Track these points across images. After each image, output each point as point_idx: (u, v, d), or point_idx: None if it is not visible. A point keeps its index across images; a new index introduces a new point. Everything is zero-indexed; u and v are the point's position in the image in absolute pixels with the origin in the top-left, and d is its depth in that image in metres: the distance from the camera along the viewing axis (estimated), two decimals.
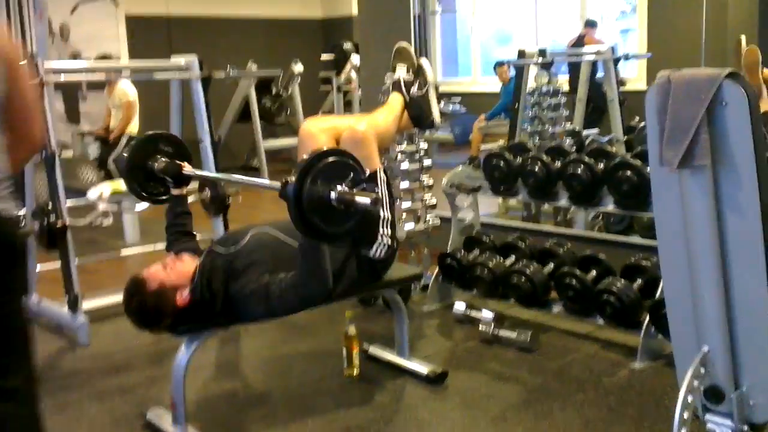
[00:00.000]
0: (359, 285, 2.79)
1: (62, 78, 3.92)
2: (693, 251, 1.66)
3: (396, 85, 3.04)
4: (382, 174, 2.74)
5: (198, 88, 4.04)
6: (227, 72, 6.91)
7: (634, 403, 2.74)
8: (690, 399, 1.72)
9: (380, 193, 2.70)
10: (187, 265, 2.55)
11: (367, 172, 2.62)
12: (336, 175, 2.19)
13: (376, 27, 5.18)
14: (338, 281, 2.67)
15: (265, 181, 2.51)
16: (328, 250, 2.62)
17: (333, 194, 2.15)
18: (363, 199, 2.14)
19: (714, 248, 1.62)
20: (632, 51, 7.09)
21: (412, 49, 3.13)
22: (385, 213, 2.70)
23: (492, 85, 8.50)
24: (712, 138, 1.56)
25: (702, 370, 1.73)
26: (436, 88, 3.16)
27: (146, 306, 2.47)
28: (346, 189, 2.17)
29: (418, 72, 3.07)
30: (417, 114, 3.03)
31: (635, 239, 4.11)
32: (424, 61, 3.09)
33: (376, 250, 2.71)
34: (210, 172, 2.98)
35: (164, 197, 2.99)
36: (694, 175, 1.60)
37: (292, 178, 2.14)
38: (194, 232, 2.98)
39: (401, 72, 3.07)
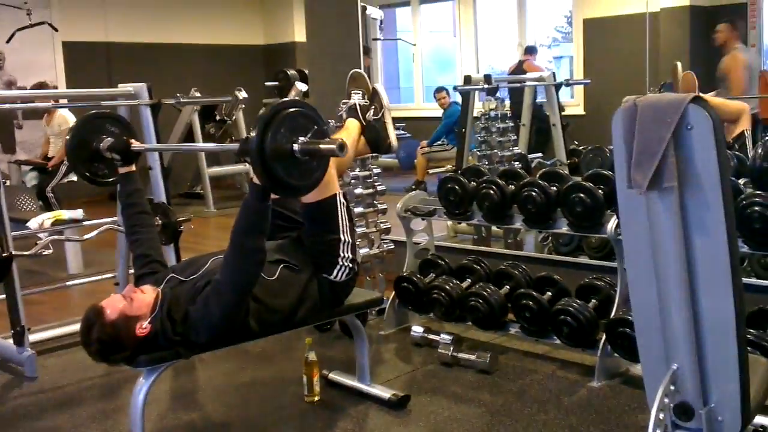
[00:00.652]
0: (321, 310, 2.77)
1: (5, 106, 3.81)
2: (661, 271, 1.71)
3: (352, 111, 3.07)
4: (342, 198, 2.75)
5: (147, 115, 3.96)
6: (177, 99, 6.82)
7: (596, 422, 2.78)
8: (661, 416, 1.75)
9: (340, 218, 2.71)
10: (148, 295, 2.48)
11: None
12: (298, 126, 2.17)
13: (325, 54, 5.21)
14: (300, 306, 2.65)
15: (225, 145, 2.48)
16: (289, 273, 2.61)
17: (296, 146, 2.13)
18: (328, 146, 2.12)
19: (681, 268, 1.67)
20: (566, 77, 7.31)
21: (366, 75, 3.16)
22: (345, 237, 2.71)
23: (435, 110, 8.63)
24: (678, 161, 1.61)
25: (672, 388, 1.77)
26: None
27: (105, 337, 2.39)
28: (309, 139, 2.14)
29: (373, 97, 3.10)
30: (374, 138, 3.06)
31: (584, 260, 4.21)
32: (378, 86, 3.13)
33: (338, 274, 2.71)
34: (158, 146, 2.90)
35: (111, 179, 2.94)
36: (662, 196, 1.65)
37: (253, 134, 2.12)
38: (149, 210, 2.93)
39: (357, 97, 3.10)
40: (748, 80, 4.92)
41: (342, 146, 2.14)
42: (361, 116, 3.03)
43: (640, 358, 1.89)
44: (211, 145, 3.03)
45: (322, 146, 2.14)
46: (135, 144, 2.88)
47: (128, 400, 2.66)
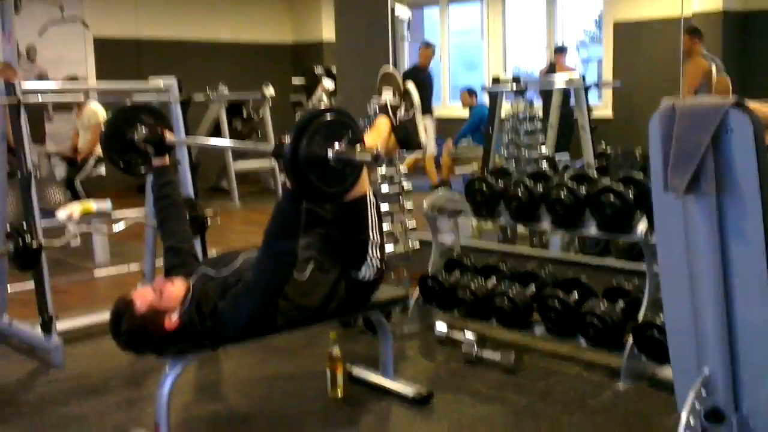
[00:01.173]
0: (348, 307, 2.78)
1: (39, 99, 3.86)
2: (695, 276, 1.69)
3: (383, 109, 3.06)
4: (372, 197, 2.75)
5: (177, 111, 3.99)
6: (206, 95, 6.87)
7: (622, 424, 2.77)
8: (692, 421, 1.74)
9: (370, 217, 2.71)
10: (177, 288, 2.50)
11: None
12: (333, 133, 2.16)
13: (353, 53, 5.22)
14: (328, 304, 2.66)
15: (257, 145, 2.49)
16: (318, 273, 2.62)
17: (330, 153, 2.13)
18: (363, 157, 2.11)
19: (717, 273, 1.65)
20: (593, 79, 7.26)
21: (398, 74, 3.16)
22: (374, 236, 2.70)
23: (461, 110, 8.62)
24: (717, 165, 1.59)
25: (703, 392, 1.75)
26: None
27: (134, 329, 2.41)
28: (344, 147, 2.14)
29: (404, 96, 3.10)
30: (404, 137, 3.05)
31: (611, 261, 4.18)
32: (410, 85, 3.12)
33: (365, 272, 2.71)
34: (193, 140, 2.93)
35: (144, 170, 2.96)
36: (699, 201, 1.63)
37: (287, 138, 2.12)
38: (181, 203, 2.95)
39: (387, 96, 3.10)
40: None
41: (377, 157, 2.14)
42: (391, 114, 3.03)
43: (671, 361, 1.87)
44: (244, 143, 3.04)
45: (356, 156, 2.13)
46: (169, 137, 2.90)
47: (153, 390, 2.68)
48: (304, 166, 2.14)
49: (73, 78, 7.84)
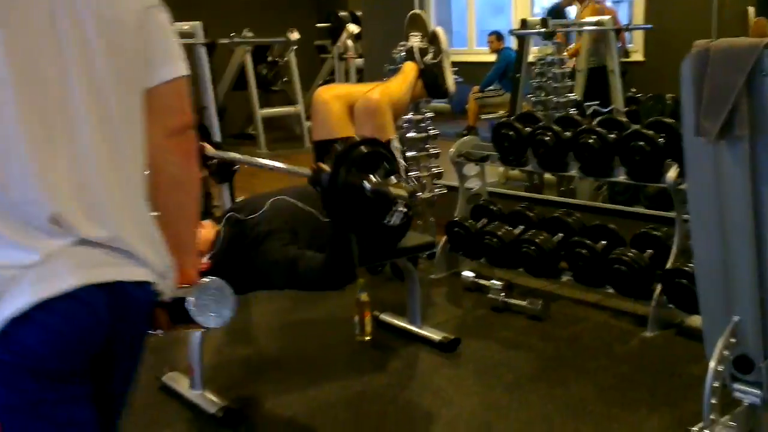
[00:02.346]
0: (376, 252, 2.80)
1: None
2: (727, 221, 1.68)
3: (410, 54, 3.02)
4: (397, 143, 2.74)
5: (202, 55, 4.00)
6: (231, 39, 6.80)
7: (648, 371, 2.78)
8: (720, 368, 1.74)
9: (396, 162, 2.70)
10: (207, 231, 2.54)
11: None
12: (369, 164, 2.17)
13: None
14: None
15: (294, 167, 2.48)
16: None
17: (367, 185, 2.14)
18: (398, 193, 2.12)
19: (749, 218, 1.64)
20: (625, 23, 7.06)
21: (426, 17, 3.10)
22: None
23: (488, 55, 8.48)
24: (750, 109, 1.56)
25: (732, 340, 1.75)
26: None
27: None
28: (380, 179, 2.15)
29: (432, 40, 3.05)
30: (431, 82, 3.01)
31: (640, 209, 4.14)
32: (438, 29, 3.06)
33: (391, 218, 2.71)
34: (232, 155, 2.91)
35: None
36: (731, 145, 1.61)
37: (326, 167, 2.12)
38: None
39: (415, 40, 3.05)
40: None
41: (412, 194, 2.14)
42: (419, 59, 2.99)
43: (701, 309, 1.87)
44: (283, 165, 2.94)
45: (392, 191, 2.13)
46: (208, 149, 2.87)
47: (186, 334, 2.75)
48: (341, 195, 2.14)
49: None
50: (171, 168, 1.30)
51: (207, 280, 1.39)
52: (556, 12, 6.53)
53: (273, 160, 3.49)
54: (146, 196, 1.25)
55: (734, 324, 1.75)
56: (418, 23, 3.08)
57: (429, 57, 3.00)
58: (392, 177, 2.18)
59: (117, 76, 1.19)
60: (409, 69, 3.00)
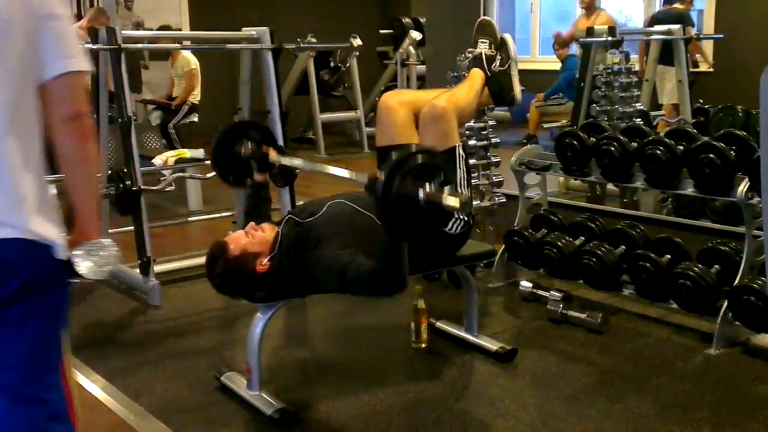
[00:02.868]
0: (434, 260, 2.79)
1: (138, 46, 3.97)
2: None
3: (477, 60, 3.00)
4: (461, 151, 2.72)
5: (269, 60, 4.04)
6: (297, 44, 6.91)
7: (712, 390, 2.70)
8: None
9: (458, 170, 2.69)
10: (268, 233, 2.57)
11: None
12: (424, 174, 2.16)
13: (444, 3, 5.14)
14: (413, 256, 2.65)
15: (352, 174, 2.50)
16: None
17: (421, 194, 2.13)
18: (451, 203, 2.11)
19: None
20: (695, 32, 6.90)
21: (495, 24, 3.08)
22: (462, 190, 2.69)
23: (551, 63, 8.39)
24: None
25: None
26: None
27: (228, 271, 2.50)
28: (434, 190, 2.14)
29: (501, 47, 3.02)
30: (498, 90, 2.99)
31: (706, 223, 4.03)
32: (507, 36, 3.03)
33: (452, 226, 2.70)
34: (295, 161, 2.96)
35: (245, 182, 3.02)
36: None
37: (381, 175, 2.13)
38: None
39: (483, 47, 3.03)
40: None
41: (465, 204, 2.13)
42: (486, 66, 2.96)
43: None
44: (340, 172, 2.98)
45: (444, 202, 2.11)
46: (273, 156, 2.92)
47: (244, 333, 2.79)
48: (395, 205, 2.14)
49: (166, 27, 8.00)
50: (65, 149, 1.55)
51: (96, 240, 1.62)
52: None
53: (331, 164, 3.53)
54: (38, 170, 1.52)
55: None
56: (487, 30, 3.06)
57: (497, 64, 2.97)
58: (447, 187, 2.16)
59: (7, 69, 1.44)
60: (477, 76, 2.98)
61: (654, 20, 6.19)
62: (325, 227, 2.57)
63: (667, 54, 5.57)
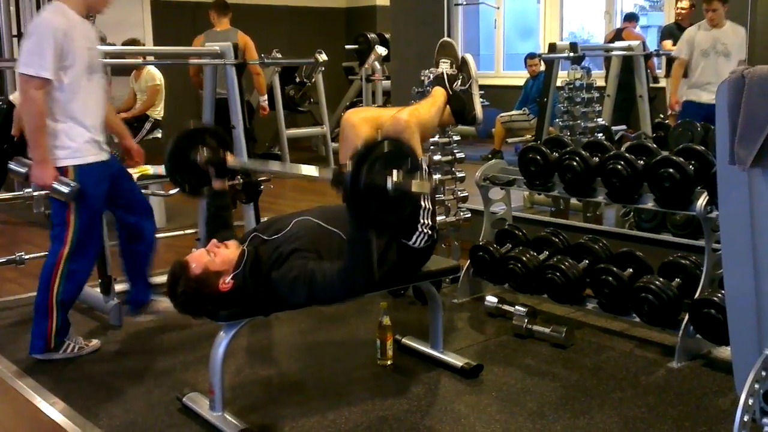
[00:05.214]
0: (399, 275, 2.78)
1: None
2: (760, 252, 1.64)
3: (439, 80, 3.02)
4: (424, 165, 2.73)
5: (232, 75, 4.02)
6: (261, 59, 6.90)
7: (674, 403, 2.72)
8: (750, 402, 1.70)
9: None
10: (232, 251, 2.54)
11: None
12: (391, 163, 2.17)
13: (408, 19, 5.16)
14: (379, 269, 2.64)
15: (317, 170, 2.50)
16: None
17: (389, 183, 2.13)
18: (420, 189, 2.12)
19: None
20: (654, 48, 7.03)
21: (456, 45, 3.11)
22: (426, 204, 2.69)
23: (515, 78, 8.47)
24: None
25: (763, 374, 1.71)
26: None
27: (190, 291, 2.47)
28: (402, 178, 2.15)
29: (462, 67, 3.05)
30: (459, 109, 3.01)
31: (667, 237, 4.09)
32: (468, 56, 3.07)
33: (417, 240, 2.71)
34: (257, 163, 2.95)
35: (202, 190, 2.98)
36: (765, 173, 1.58)
37: (347, 167, 2.13)
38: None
39: (445, 66, 3.05)
40: None
41: (434, 190, 2.15)
42: (448, 86, 2.99)
43: (731, 341, 1.83)
44: (305, 167, 3.07)
45: (414, 188, 2.14)
46: (231, 160, 2.90)
47: (206, 353, 2.75)
48: (363, 195, 2.14)
49: (135, 42, 7.88)
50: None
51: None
52: None
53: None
54: None
55: (765, 357, 1.70)
56: (448, 50, 3.09)
57: (458, 84, 2.99)
58: (415, 174, 2.17)
59: None
60: (439, 94, 3.00)
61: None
62: (290, 243, 2.55)
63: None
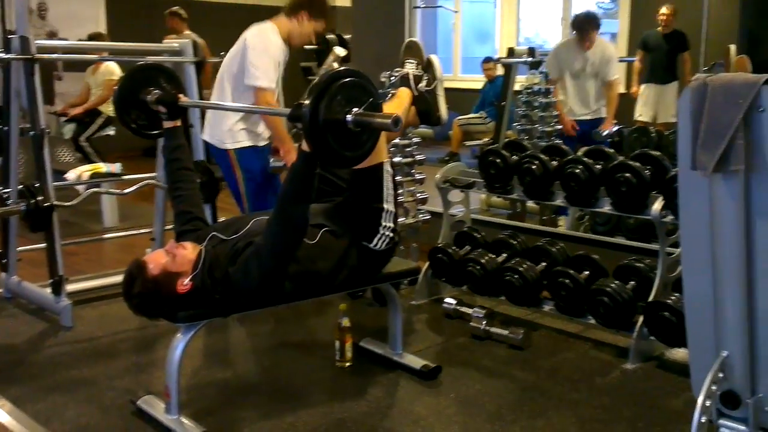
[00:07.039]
0: (359, 277, 2.76)
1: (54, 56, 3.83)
2: (718, 256, 1.68)
3: (405, 80, 3.02)
4: (388, 167, 2.72)
5: (191, 73, 3.97)
6: (221, 57, 6.80)
7: (629, 403, 2.76)
8: (708, 404, 1.73)
9: (385, 186, 2.68)
10: (190, 252, 2.49)
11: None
12: (352, 97, 2.14)
13: (369, 20, 5.16)
14: (338, 272, 2.64)
15: (279, 109, 2.47)
16: (329, 238, 2.59)
17: (349, 117, 2.11)
18: (382, 121, 2.08)
19: (741, 253, 1.63)
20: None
21: (421, 45, 3.11)
22: (388, 206, 2.68)
23: (473, 82, 8.53)
24: (747, 144, 1.56)
25: (720, 375, 1.74)
26: None
27: (147, 292, 2.41)
28: (363, 111, 2.12)
29: (427, 68, 3.06)
30: (425, 109, 3.01)
31: (621, 240, 4.16)
32: (433, 57, 3.07)
33: (378, 242, 2.69)
34: (208, 102, 2.98)
35: (155, 131, 2.95)
36: (726, 179, 1.61)
37: (306, 101, 2.10)
38: (192, 167, 2.94)
39: (410, 67, 3.05)
40: None
41: (396, 121, 2.09)
42: (413, 86, 2.99)
43: (688, 343, 1.86)
44: (263, 109, 3.19)
45: (376, 119, 2.10)
46: (183, 99, 2.87)
47: (162, 355, 2.70)
48: (322, 128, 2.11)
49: (97, 36, 7.68)
50: None
51: None
52: None
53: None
54: None
55: (722, 359, 1.74)
56: (414, 51, 3.10)
57: (423, 84, 3.00)
58: (377, 108, 2.15)
59: None
60: (404, 95, 3.00)
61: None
62: (248, 239, 2.52)
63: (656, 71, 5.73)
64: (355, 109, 2.13)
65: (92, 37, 7.04)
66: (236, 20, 9.76)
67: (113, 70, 6.83)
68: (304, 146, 2.25)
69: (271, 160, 3.75)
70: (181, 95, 2.90)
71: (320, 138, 2.12)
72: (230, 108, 3.39)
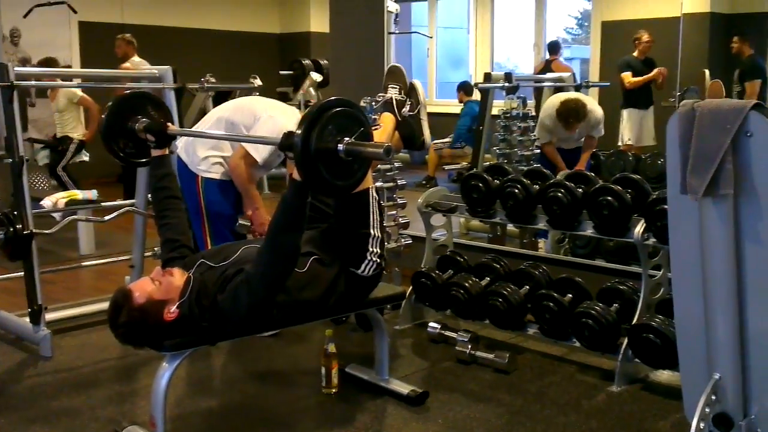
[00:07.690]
0: (346, 303, 2.76)
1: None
2: (709, 279, 1.70)
3: (388, 105, 3.04)
4: (374, 193, 2.73)
5: (171, 99, 3.94)
6: (201, 84, 6.81)
7: (617, 426, 2.77)
8: (702, 426, 1.74)
9: (371, 213, 2.69)
10: (177, 278, 2.47)
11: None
12: (343, 126, 2.15)
13: (348, 45, 5.19)
14: (327, 300, 2.63)
15: (269, 138, 2.47)
16: (318, 267, 2.59)
17: (341, 146, 2.11)
18: (374, 150, 2.10)
19: (731, 276, 1.66)
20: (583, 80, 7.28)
21: (404, 71, 3.14)
22: (375, 232, 2.68)
23: (448, 106, 8.62)
24: (735, 168, 1.60)
25: (712, 398, 1.76)
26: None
27: (133, 321, 2.38)
28: (354, 141, 2.12)
29: (410, 93, 3.08)
30: (408, 134, 3.04)
31: (601, 263, 4.19)
32: (416, 82, 3.10)
33: (365, 268, 2.69)
34: (197, 131, 2.97)
35: (143, 159, 2.93)
36: (716, 203, 1.64)
37: (298, 131, 2.10)
38: (179, 195, 2.92)
39: (393, 92, 3.08)
40: None
41: (389, 150, 2.11)
42: (396, 111, 3.01)
43: (680, 366, 1.88)
44: (251, 137, 3.16)
45: (368, 149, 2.12)
46: (171, 128, 2.86)
47: (145, 383, 2.66)
48: (314, 157, 2.12)
49: (50, 61, 7.62)
50: None
51: None
52: None
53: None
54: None
55: (715, 381, 1.75)
56: (397, 76, 3.13)
57: (407, 109, 3.02)
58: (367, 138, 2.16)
59: None
60: (388, 120, 3.02)
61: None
62: (237, 266, 2.50)
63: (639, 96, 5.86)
64: (346, 139, 2.14)
65: (42, 63, 6.95)
66: (211, 46, 9.83)
67: (75, 90, 6.72)
68: (295, 175, 2.25)
69: (239, 219, 3.67)
70: (169, 123, 2.89)
71: (312, 167, 2.13)
72: (217, 137, 3.35)
